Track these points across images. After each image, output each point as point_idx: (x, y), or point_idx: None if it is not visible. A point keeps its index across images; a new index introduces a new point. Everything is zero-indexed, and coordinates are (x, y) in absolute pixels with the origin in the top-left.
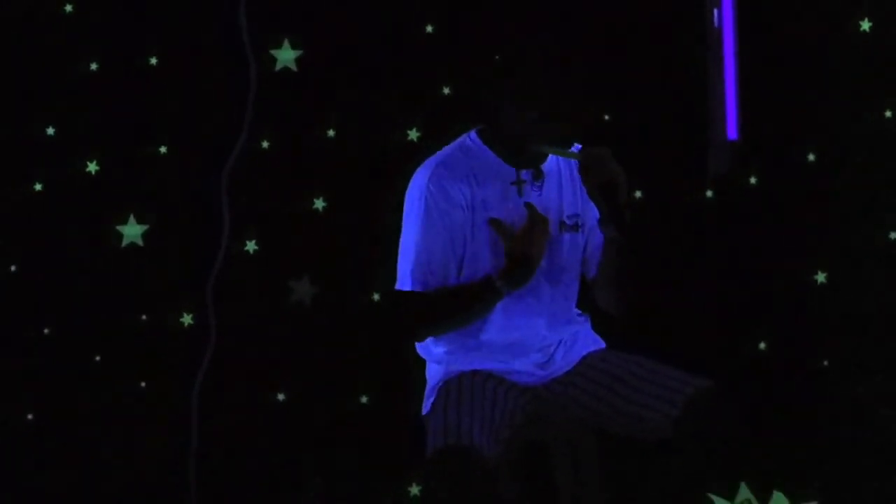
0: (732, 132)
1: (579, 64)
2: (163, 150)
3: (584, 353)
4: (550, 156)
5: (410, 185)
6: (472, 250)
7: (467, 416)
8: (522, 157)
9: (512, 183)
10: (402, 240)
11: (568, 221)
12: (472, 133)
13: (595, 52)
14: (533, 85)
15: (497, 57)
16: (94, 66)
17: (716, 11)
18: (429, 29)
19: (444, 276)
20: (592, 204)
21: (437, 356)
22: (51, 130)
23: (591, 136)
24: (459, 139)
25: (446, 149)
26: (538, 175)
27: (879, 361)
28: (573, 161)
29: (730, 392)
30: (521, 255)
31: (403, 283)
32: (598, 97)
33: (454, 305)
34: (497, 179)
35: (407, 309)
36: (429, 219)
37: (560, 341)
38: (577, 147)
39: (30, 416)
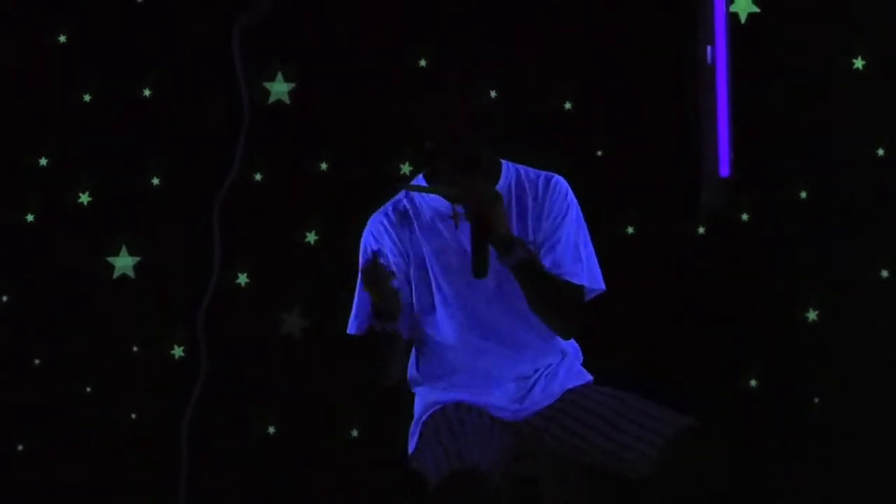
0: (725, 169)
1: (459, 95)
2: (155, 181)
3: (567, 387)
4: (502, 185)
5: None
6: (418, 290)
7: (466, 444)
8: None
9: (449, 216)
10: None
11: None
12: (420, 176)
13: (589, 88)
14: (425, 119)
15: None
16: (87, 98)
17: (709, 49)
18: (422, 63)
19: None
20: (544, 231)
21: (419, 389)
22: (43, 161)
23: (584, 170)
24: (409, 183)
25: (395, 196)
26: None
27: (870, 399)
28: (527, 189)
29: (712, 431)
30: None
31: (349, 325)
32: (586, 132)
33: (367, 348)
34: (436, 216)
35: (354, 352)
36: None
37: (540, 374)
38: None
39: (20, 447)
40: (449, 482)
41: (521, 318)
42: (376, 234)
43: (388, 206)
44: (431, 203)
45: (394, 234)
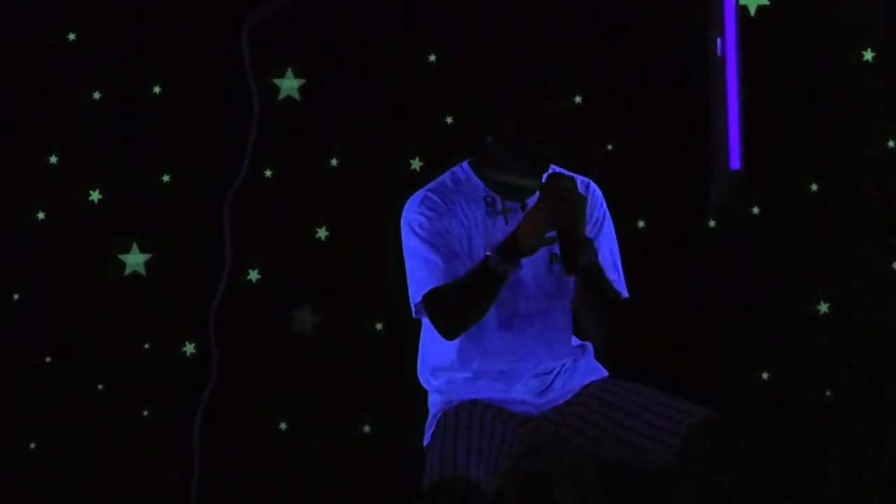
0: (735, 162)
1: (550, 94)
2: (166, 178)
3: (585, 382)
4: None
5: (404, 214)
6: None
7: (464, 448)
8: (512, 187)
9: (498, 212)
10: (408, 264)
11: (558, 252)
12: (465, 163)
13: (598, 82)
14: (500, 115)
15: (475, 88)
16: (97, 95)
17: (719, 41)
18: (431, 58)
19: (453, 275)
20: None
21: (436, 386)
22: (54, 159)
23: (595, 166)
24: (451, 169)
25: (438, 179)
26: (524, 207)
27: (882, 392)
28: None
29: (733, 422)
30: (519, 234)
31: (421, 290)
32: (595, 126)
33: (462, 291)
34: (485, 209)
35: (431, 310)
36: (428, 234)
37: (560, 369)
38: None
39: (32, 445)
40: (437, 488)
41: (551, 315)
42: (431, 207)
43: (435, 185)
44: (484, 195)
45: (443, 210)
